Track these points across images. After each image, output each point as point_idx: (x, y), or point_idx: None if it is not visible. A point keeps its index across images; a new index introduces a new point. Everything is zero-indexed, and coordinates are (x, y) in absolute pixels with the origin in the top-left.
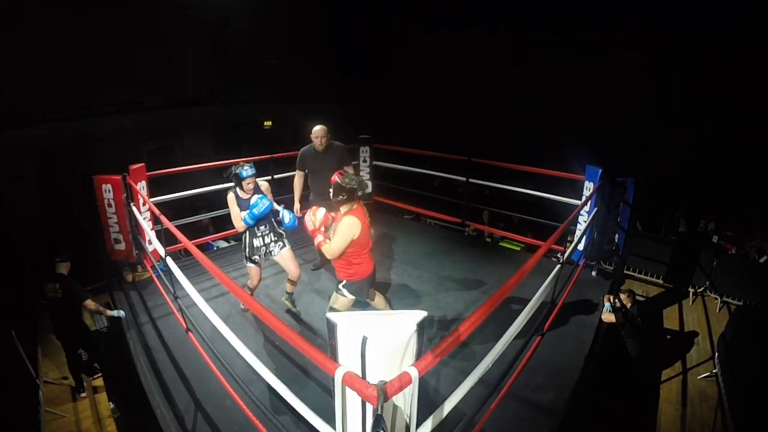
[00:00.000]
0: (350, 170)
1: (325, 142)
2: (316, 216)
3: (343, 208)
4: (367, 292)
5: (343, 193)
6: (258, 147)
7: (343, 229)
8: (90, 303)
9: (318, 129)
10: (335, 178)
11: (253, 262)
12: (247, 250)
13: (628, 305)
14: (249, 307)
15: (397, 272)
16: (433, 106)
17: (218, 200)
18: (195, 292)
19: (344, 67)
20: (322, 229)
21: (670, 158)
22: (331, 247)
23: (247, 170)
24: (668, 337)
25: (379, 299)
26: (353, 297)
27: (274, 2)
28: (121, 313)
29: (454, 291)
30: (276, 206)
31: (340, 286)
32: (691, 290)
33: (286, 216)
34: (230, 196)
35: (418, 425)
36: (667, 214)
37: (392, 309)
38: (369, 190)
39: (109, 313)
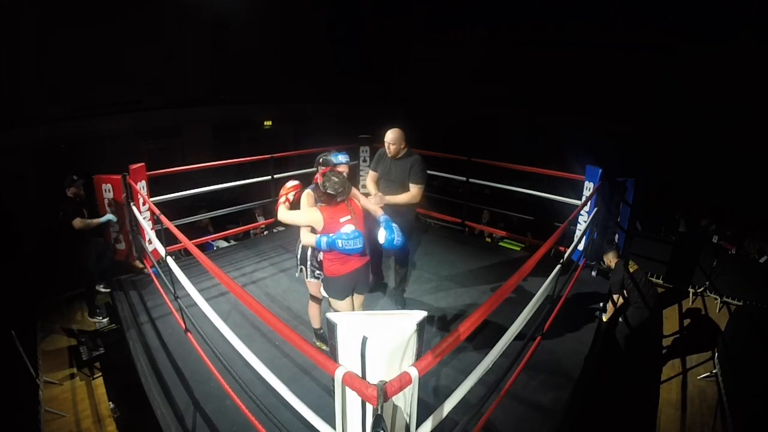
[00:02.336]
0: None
1: (394, 150)
2: (286, 186)
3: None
4: (340, 294)
5: (321, 196)
6: (258, 147)
7: (301, 212)
8: (77, 221)
9: (389, 135)
10: (318, 177)
11: (316, 277)
12: (310, 262)
13: (612, 264)
14: (249, 306)
15: None
16: (432, 106)
17: (218, 200)
18: (195, 291)
19: (344, 67)
20: (290, 196)
21: (670, 158)
22: (285, 213)
23: (339, 157)
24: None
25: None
26: (324, 293)
27: (274, 2)
28: (110, 216)
29: (454, 291)
30: (379, 212)
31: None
32: (691, 290)
33: (381, 235)
34: (307, 194)
35: (418, 425)
36: (667, 214)
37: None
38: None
39: (98, 221)
